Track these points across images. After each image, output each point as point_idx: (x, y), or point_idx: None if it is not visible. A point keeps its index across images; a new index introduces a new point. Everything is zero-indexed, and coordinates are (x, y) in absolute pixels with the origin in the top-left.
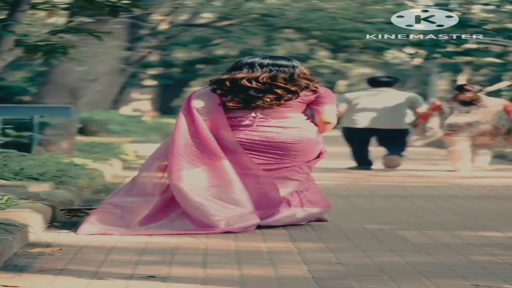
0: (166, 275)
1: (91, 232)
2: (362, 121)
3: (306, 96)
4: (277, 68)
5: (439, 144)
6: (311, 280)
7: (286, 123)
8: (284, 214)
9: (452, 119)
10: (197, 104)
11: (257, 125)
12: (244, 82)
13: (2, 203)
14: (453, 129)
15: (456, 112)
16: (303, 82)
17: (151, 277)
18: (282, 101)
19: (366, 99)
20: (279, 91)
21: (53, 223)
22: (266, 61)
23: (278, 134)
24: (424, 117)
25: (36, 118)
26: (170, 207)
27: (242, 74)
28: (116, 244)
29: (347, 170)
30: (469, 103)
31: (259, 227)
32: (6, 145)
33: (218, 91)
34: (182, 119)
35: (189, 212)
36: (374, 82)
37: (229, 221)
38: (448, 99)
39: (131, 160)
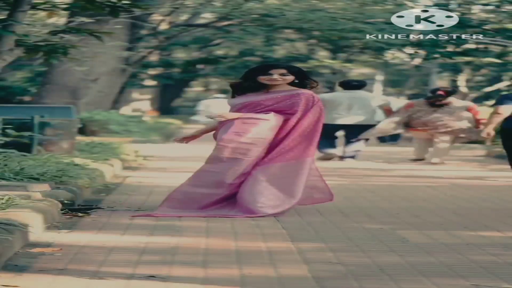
0: (166, 275)
1: (167, 214)
2: (335, 117)
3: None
4: None
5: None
6: (311, 280)
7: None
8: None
9: (419, 117)
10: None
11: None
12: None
13: (2, 203)
14: (419, 125)
15: (423, 111)
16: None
17: (151, 277)
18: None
19: (340, 98)
20: None
21: (53, 223)
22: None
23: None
24: (388, 113)
25: (37, 118)
26: (226, 197)
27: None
28: (116, 244)
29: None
30: (437, 104)
31: (258, 225)
32: (6, 145)
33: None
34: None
35: (238, 202)
36: (347, 85)
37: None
38: (420, 100)
39: (131, 160)
